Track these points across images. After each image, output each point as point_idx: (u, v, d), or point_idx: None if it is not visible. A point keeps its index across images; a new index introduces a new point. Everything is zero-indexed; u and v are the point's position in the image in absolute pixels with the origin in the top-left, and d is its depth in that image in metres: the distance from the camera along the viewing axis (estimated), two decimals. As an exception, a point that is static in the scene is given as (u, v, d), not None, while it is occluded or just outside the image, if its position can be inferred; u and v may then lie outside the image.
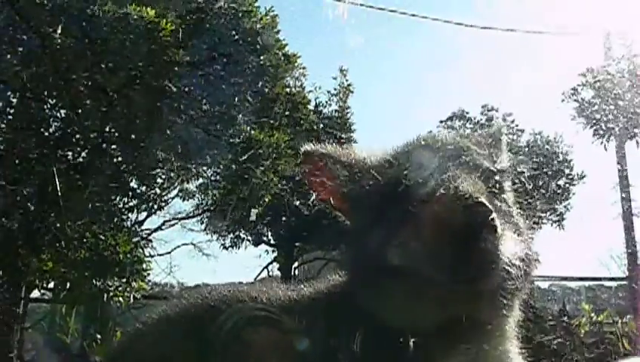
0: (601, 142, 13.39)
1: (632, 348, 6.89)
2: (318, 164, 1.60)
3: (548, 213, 16.32)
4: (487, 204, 1.29)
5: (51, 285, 8.77)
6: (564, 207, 16.50)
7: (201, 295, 1.82)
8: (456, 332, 1.35)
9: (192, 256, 15.44)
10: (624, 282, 13.84)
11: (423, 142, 1.53)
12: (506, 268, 1.32)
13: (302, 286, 1.76)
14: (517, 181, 1.67)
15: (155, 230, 12.33)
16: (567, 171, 16.31)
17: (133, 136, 8.15)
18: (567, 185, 16.38)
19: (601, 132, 13.17)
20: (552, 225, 16.52)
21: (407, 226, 1.35)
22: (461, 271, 1.26)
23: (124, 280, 7.75)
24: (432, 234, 1.29)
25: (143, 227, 11.46)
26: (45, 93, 7.97)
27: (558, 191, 16.11)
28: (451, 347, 1.36)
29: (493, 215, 1.29)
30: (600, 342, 7.32)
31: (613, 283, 16.23)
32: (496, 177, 1.50)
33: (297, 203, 11.03)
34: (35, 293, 9.61)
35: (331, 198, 1.61)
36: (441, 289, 1.29)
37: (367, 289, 1.45)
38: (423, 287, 1.31)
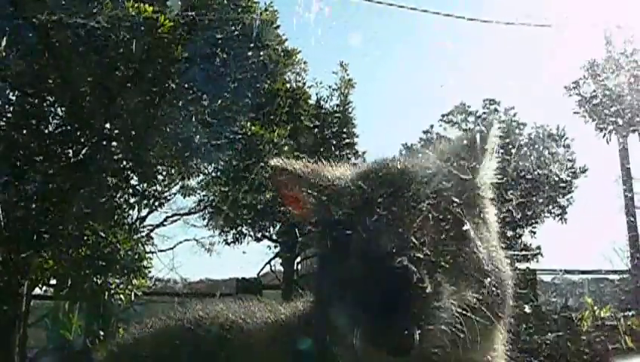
0: (604, 136, 13.40)
1: (635, 346, 6.84)
2: (285, 180, 1.60)
3: (550, 207, 16.33)
4: (410, 266, 1.25)
5: (53, 282, 8.80)
6: (567, 200, 16.51)
7: (175, 315, 1.83)
8: None
9: (194, 251, 15.50)
10: (626, 275, 13.82)
11: (376, 173, 1.49)
12: (442, 324, 1.27)
13: (275, 307, 1.75)
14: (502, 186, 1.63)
15: (158, 226, 12.39)
16: (569, 165, 16.30)
17: (133, 133, 8.13)
18: (569, 178, 16.38)
19: (603, 125, 13.16)
20: (554, 218, 16.53)
21: (343, 280, 1.34)
22: (382, 339, 1.23)
23: (125, 277, 7.76)
24: (357, 293, 1.28)
25: (145, 223, 11.49)
26: (45, 90, 7.96)
27: (561, 185, 16.10)
28: None
29: (415, 277, 1.25)
30: (602, 338, 7.27)
31: (616, 276, 16.22)
32: (454, 203, 1.43)
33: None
34: (38, 290, 9.63)
35: (298, 211, 1.61)
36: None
37: (321, 326, 1.43)
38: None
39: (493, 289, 1.39)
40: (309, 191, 1.56)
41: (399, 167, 1.49)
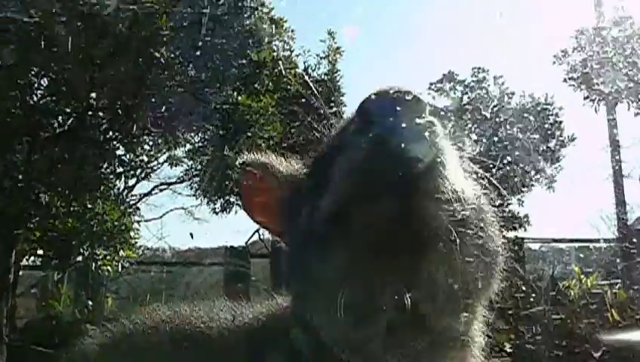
0: (592, 105, 13.38)
1: (622, 318, 6.88)
2: (256, 176, 1.51)
3: (538, 176, 16.39)
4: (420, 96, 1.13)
5: (40, 252, 8.80)
6: (555, 169, 16.57)
7: (142, 317, 1.79)
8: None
9: (182, 220, 15.52)
10: (613, 244, 13.95)
11: None
12: (453, 188, 1.12)
13: (250, 307, 1.68)
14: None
15: (146, 195, 12.37)
16: (557, 133, 16.32)
17: (119, 103, 8.07)
18: (557, 147, 16.42)
19: (592, 95, 13.15)
20: (542, 187, 16.60)
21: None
22: (390, 177, 1.07)
23: (112, 248, 7.76)
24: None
25: (132, 193, 11.48)
26: (29, 60, 7.86)
27: (549, 154, 16.16)
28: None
29: (428, 109, 1.13)
30: (589, 311, 7.32)
31: (604, 244, 16.37)
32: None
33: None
34: (26, 261, 9.63)
35: (267, 221, 1.56)
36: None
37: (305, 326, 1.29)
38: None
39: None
40: (281, 186, 1.48)
41: None
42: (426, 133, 1.11)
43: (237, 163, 1.55)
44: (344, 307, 1.13)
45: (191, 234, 13.51)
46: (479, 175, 1.33)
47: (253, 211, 1.56)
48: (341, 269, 1.15)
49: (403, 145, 1.08)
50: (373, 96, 1.14)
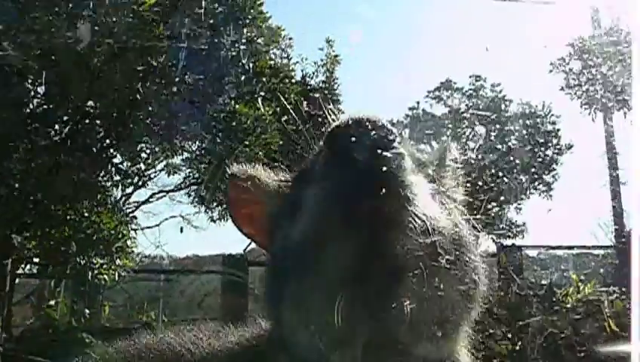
0: (589, 113, 13.42)
1: (619, 330, 6.83)
2: (244, 187, 1.51)
3: (536, 183, 16.42)
4: (389, 125, 1.10)
5: (37, 260, 8.77)
6: (552, 176, 16.59)
7: (124, 344, 1.77)
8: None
9: (179, 228, 15.44)
10: (611, 251, 13.96)
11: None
12: (420, 218, 1.10)
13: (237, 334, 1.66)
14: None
15: (143, 203, 12.32)
16: (554, 141, 16.36)
17: (116, 111, 8.07)
18: (555, 155, 16.45)
19: (589, 103, 13.19)
20: (540, 195, 16.63)
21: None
22: (356, 208, 1.07)
23: (109, 257, 7.73)
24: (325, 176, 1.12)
25: (130, 200, 11.45)
26: (26, 68, 7.85)
27: (546, 162, 16.19)
28: None
29: (397, 141, 1.10)
30: (586, 321, 7.29)
31: (601, 251, 16.37)
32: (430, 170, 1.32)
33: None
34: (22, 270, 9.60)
35: (254, 233, 1.55)
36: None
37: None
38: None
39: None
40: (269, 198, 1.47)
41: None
42: (393, 168, 1.10)
43: (229, 173, 1.55)
44: (319, 333, 1.14)
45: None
46: (460, 202, 1.34)
47: (240, 223, 1.56)
48: (313, 300, 1.15)
49: (370, 179, 1.08)
50: (342, 126, 1.13)
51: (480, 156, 15.20)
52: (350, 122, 1.12)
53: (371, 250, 1.08)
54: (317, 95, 11.58)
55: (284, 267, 1.25)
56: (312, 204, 1.16)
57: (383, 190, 1.08)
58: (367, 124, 1.10)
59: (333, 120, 1.25)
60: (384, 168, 1.09)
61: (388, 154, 1.09)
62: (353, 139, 1.09)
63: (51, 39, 7.45)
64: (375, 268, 1.08)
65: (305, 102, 8.66)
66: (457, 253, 1.20)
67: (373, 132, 1.09)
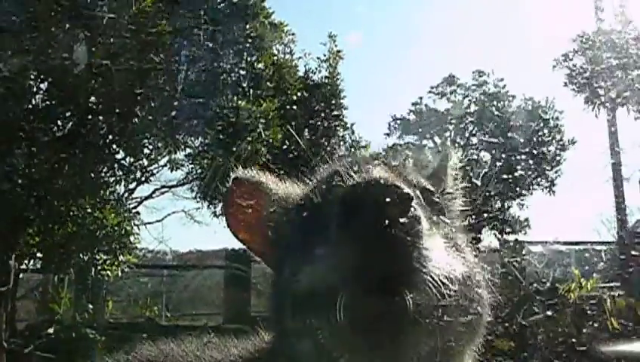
0: (592, 109, 13.40)
1: (621, 327, 6.82)
2: (246, 193, 1.48)
3: (539, 179, 16.39)
4: (405, 188, 1.10)
5: (40, 255, 8.79)
6: (555, 172, 16.55)
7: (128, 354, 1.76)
8: None
9: (183, 223, 15.47)
10: (613, 246, 13.94)
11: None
12: (435, 280, 1.11)
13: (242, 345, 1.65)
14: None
15: (146, 198, 12.33)
16: (557, 137, 16.32)
17: (118, 107, 8.06)
18: (558, 151, 16.41)
19: (592, 99, 13.15)
20: (543, 191, 16.59)
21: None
22: (371, 274, 1.07)
23: (112, 253, 7.75)
24: (336, 236, 1.11)
25: (133, 196, 11.46)
26: (28, 64, 7.86)
27: (549, 157, 16.15)
28: None
29: (414, 203, 1.10)
30: (588, 318, 7.27)
31: (604, 247, 16.36)
32: (432, 196, 1.35)
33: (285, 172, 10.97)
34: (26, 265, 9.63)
35: (250, 240, 1.53)
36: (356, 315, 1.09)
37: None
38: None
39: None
40: (272, 206, 1.46)
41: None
42: (409, 235, 1.10)
43: (230, 177, 1.51)
44: None
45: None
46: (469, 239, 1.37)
47: (236, 228, 1.53)
48: (321, 339, 1.17)
49: (385, 245, 1.08)
50: (359, 187, 1.14)
51: (483, 152, 15.20)
52: (365, 185, 1.13)
53: (385, 315, 1.10)
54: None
55: (292, 311, 1.27)
56: (325, 266, 1.15)
57: (399, 260, 1.09)
58: (383, 188, 1.10)
59: (349, 175, 1.24)
60: (400, 236, 1.09)
61: (404, 220, 1.09)
62: (369, 204, 1.09)
63: (53, 39, 7.47)
64: (390, 329, 1.11)
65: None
66: (469, 294, 1.22)
67: (389, 199, 1.09)
